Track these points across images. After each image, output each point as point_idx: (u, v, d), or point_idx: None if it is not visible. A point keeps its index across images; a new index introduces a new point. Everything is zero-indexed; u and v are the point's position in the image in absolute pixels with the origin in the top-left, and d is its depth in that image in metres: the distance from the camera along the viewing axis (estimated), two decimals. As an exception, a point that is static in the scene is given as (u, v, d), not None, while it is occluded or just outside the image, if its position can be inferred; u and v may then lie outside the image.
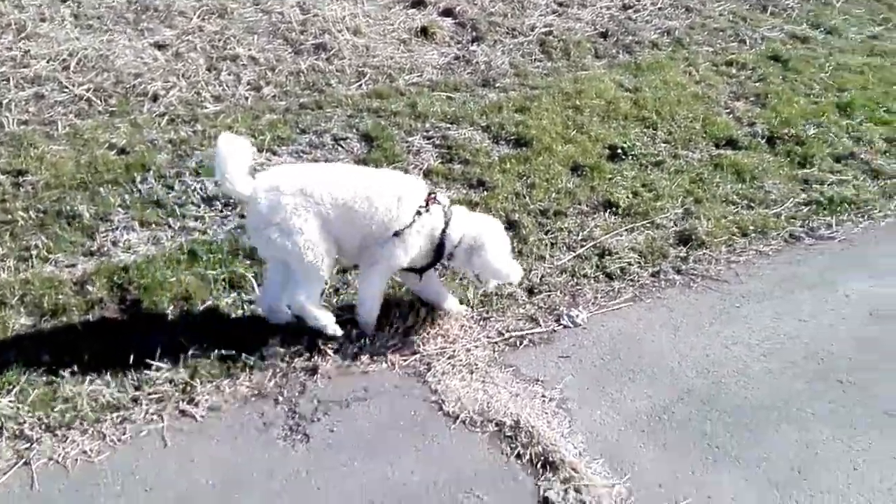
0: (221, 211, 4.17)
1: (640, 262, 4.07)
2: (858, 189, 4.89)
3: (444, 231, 3.14)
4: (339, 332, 3.16)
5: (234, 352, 3.09)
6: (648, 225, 4.42)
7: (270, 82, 5.55)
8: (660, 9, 7.61)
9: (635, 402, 2.95)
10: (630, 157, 5.14)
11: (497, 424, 2.79)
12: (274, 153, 4.72)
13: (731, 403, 2.95)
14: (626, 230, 4.35)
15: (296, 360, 3.15)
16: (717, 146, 5.44)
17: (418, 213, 3.06)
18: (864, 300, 3.66)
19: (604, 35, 7.05)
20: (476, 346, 3.29)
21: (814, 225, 4.51)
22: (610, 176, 4.89)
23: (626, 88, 6.10)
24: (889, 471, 2.63)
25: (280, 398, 2.95)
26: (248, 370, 3.06)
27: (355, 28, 6.39)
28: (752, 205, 4.67)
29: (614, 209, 4.56)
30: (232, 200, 4.20)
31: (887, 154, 5.39)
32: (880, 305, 3.60)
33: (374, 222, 3.02)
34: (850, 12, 8.14)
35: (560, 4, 7.44)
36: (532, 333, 3.42)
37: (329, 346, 3.20)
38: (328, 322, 3.14)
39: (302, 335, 3.23)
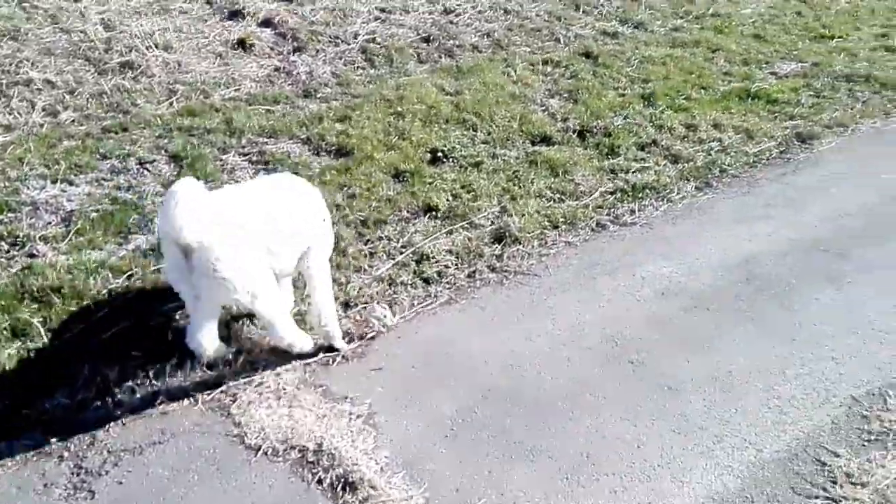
0: (9, 251, 3.79)
1: (457, 264, 4.08)
2: (659, 174, 5.15)
3: None
4: (308, 347, 3.20)
5: (11, 406, 2.79)
6: (467, 226, 4.45)
7: (69, 106, 5.13)
8: (480, 12, 7.74)
9: (441, 408, 2.93)
10: (450, 160, 5.16)
11: (300, 451, 2.68)
12: (70, 183, 4.35)
13: (530, 397, 2.99)
14: (446, 233, 4.35)
15: (84, 412, 2.89)
16: (532, 143, 5.57)
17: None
18: (656, 280, 3.85)
19: (426, 40, 7.08)
20: (287, 370, 3.16)
21: (618, 212, 4.70)
22: (430, 180, 4.88)
23: (448, 92, 6.14)
24: (668, 445, 2.77)
25: (65, 454, 2.69)
26: (30, 426, 2.78)
27: (165, 43, 6.04)
28: (564, 198, 4.81)
29: (434, 213, 4.55)
30: (20, 240, 3.83)
31: (685, 139, 5.73)
32: (670, 284, 3.81)
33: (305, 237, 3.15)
34: (655, 6, 8.64)
35: (382, 11, 7.40)
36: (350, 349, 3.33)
37: (121, 390, 2.97)
38: (308, 344, 3.18)
39: (92, 383, 2.97)
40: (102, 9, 6.44)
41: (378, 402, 2.97)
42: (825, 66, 7.36)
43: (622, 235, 4.43)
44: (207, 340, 2.94)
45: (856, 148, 5.65)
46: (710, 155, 5.48)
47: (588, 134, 5.69)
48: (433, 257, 4.08)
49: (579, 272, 3.99)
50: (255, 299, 2.85)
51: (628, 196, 4.89)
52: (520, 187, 4.90)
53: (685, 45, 7.68)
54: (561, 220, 4.55)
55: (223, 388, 3.03)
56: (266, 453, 2.68)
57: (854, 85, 6.93)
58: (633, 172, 5.17)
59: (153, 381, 3.05)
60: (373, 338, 3.45)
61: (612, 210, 4.72)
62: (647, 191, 4.94)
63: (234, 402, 2.96)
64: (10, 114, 4.93)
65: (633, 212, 4.72)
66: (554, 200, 4.77)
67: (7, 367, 3.03)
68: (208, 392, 3.02)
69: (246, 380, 3.09)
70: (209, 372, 3.10)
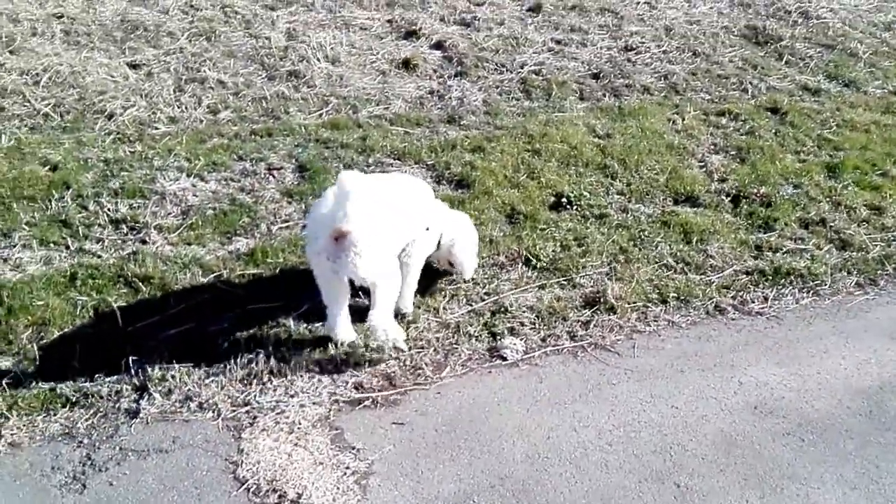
0: (126, 234, 4.11)
1: (534, 324, 3.75)
2: (815, 260, 4.39)
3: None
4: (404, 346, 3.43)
5: (55, 384, 2.99)
6: (564, 283, 4.09)
7: (230, 107, 5.50)
8: (664, 52, 7.21)
9: (441, 485, 2.66)
10: (574, 208, 4.81)
11: (279, 496, 2.57)
12: (202, 178, 4.65)
13: (541, 499, 2.62)
14: (538, 286, 4.04)
15: (121, 399, 3.02)
16: (675, 202, 5.03)
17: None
18: (755, 389, 3.23)
19: (596, 76, 6.71)
20: (314, 403, 3.07)
21: (747, 297, 4.06)
22: (544, 226, 4.57)
23: (598, 134, 5.76)
24: None
25: (86, 440, 2.82)
26: (69, 406, 2.95)
27: (334, 56, 6.30)
28: (688, 269, 4.26)
29: (534, 263, 4.25)
30: (138, 225, 4.15)
31: (865, 223, 4.85)
32: (770, 398, 3.17)
33: (416, 226, 3.43)
34: (878, 64, 7.50)
35: (558, 42, 7.15)
36: (379, 394, 3.18)
37: (159, 387, 3.06)
38: (398, 337, 3.39)
39: (136, 376, 3.10)
40: (292, 18, 6.88)
41: (382, 461, 2.77)
42: None
43: (740, 326, 3.81)
44: (342, 327, 3.30)
45: None
46: (889, 247, 4.58)
47: (744, 200, 5.02)
48: (510, 311, 3.79)
49: (669, 360, 3.48)
50: (377, 282, 3.18)
51: (766, 280, 4.22)
52: (640, 249, 4.43)
53: (901, 111, 6.55)
54: (673, 294, 4.02)
55: (248, 407, 3.01)
56: (248, 490, 2.60)
57: None
58: (784, 253, 4.47)
59: (192, 386, 3.10)
60: (419, 384, 3.26)
61: (741, 293, 4.09)
62: (792, 277, 4.23)
63: (251, 424, 2.92)
64: (179, 107, 5.39)
65: (765, 299, 4.06)
66: (674, 271, 4.24)
67: (72, 345, 3.24)
68: (233, 408, 3.01)
69: (274, 402, 3.05)
70: (240, 388, 3.10)
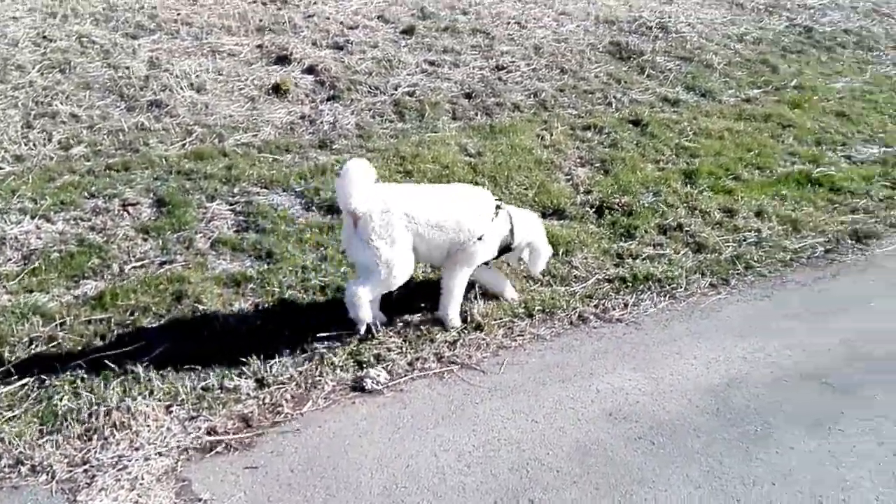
0: (-40, 285, 3.77)
1: (401, 348, 3.69)
2: (672, 264, 4.55)
3: (511, 232, 3.76)
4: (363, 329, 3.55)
5: None
6: (430, 305, 4.05)
7: (83, 141, 5.20)
8: (534, 70, 7.38)
9: (291, 532, 2.55)
10: (445, 227, 4.79)
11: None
12: (48, 220, 4.34)
13: (396, 533, 2.55)
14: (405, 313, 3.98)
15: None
16: (543, 215, 5.09)
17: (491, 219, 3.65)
18: (611, 397, 3.29)
19: (468, 96, 6.78)
20: (160, 454, 2.88)
21: (609, 305, 4.15)
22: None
23: (469, 153, 5.80)
24: None
25: None
26: None
27: (199, 85, 6.08)
28: (553, 282, 4.32)
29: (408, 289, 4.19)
30: None
31: (718, 226, 5.08)
32: (624, 404, 3.23)
33: (462, 234, 3.55)
34: (731, 74, 7.95)
35: (431, 64, 7.19)
36: (233, 438, 3.02)
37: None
38: (367, 319, 3.45)
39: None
40: (155, 46, 6.61)
41: (230, 510, 2.62)
42: (915, 153, 6.42)
43: (601, 333, 3.88)
44: (363, 308, 3.38)
45: (921, 255, 4.78)
46: (740, 247, 4.80)
47: (607, 210, 5.15)
48: (379, 337, 3.71)
49: (532, 374, 3.49)
50: (390, 271, 3.35)
51: (627, 287, 4.33)
52: (507, 264, 4.45)
53: (753, 118, 6.95)
54: (538, 307, 4.06)
55: (86, 466, 2.79)
56: (79, 556, 2.40)
57: (944, 178, 5.97)
58: (643, 259, 4.59)
59: (23, 448, 2.84)
60: (277, 423, 3.12)
61: (603, 301, 4.18)
62: (651, 283, 4.36)
63: (88, 485, 2.70)
64: (26, 144, 5.04)
65: (625, 305, 4.16)
66: (540, 283, 4.28)
67: None
68: (70, 469, 2.78)
69: (116, 457, 2.84)
70: (79, 445, 2.87)
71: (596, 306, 4.13)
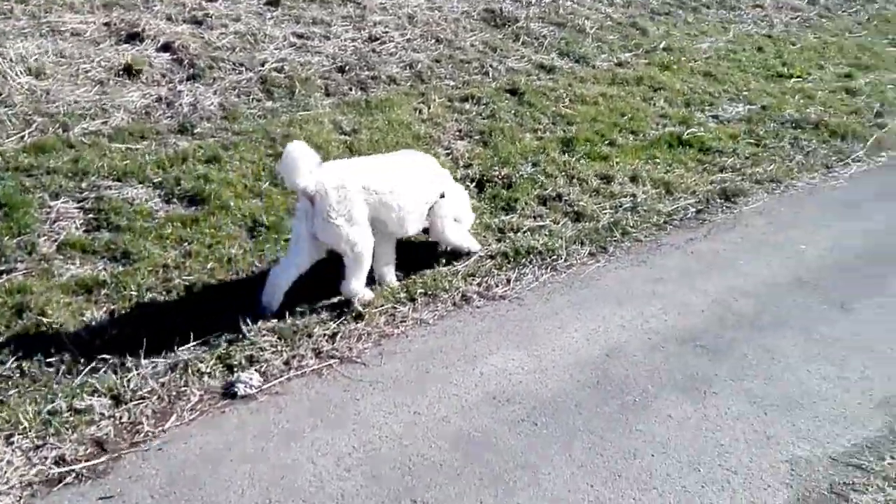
0: None
1: (276, 347, 3.47)
2: (552, 236, 4.53)
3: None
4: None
5: None
6: (311, 295, 3.84)
7: None
8: (408, 41, 7.16)
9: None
10: (321, 211, 4.56)
11: None
12: None
13: (270, 553, 2.38)
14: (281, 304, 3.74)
15: None
16: (423, 192, 4.97)
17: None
18: (494, 378, 3.23)
19: (341, 70, 6.49)
20: (3, 493, 2.55)
21: (492, 282, 4.08)
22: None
23: (344, 130, 5.56)
24: None
25: None
26: None
27: (38, 69, 5.48)
28: (435, 263, 4.20)
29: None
30: None
31: (596, 193, 5.11)
32: (508, 385, 3.17)
33: (422, 199, 3.79)
34: (603, 38, 8.04)
35: (300, 37, 6.82)
36: (86, 465, 2.73)
37: None
38: (370, 296, 3.68)
39: None
40: (-16, 28, 5.89)
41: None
42: (774, 109, 6.74)
43: (484, 313, 3.81)
44: (279, 289, 3.53)
45: (782, 209, 5.01)
46: (617, 213, 4.85)
47: (488, 184, 5.08)
48: (251, 337, 3.47)
49: (415, 362, 3.37)
50: (352, 248, 3.48)
51: (509, 262, 4.27)
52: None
53: (625, 82, 7.07)
54: (420, 291, 3.93)
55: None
56: None
57: (801, 133, 6.31)
58: (524, 232, 4.56)
59: None
60: (137, 444, 2.85)
61: (486, 279, 4.10)
62: (532, 256, 4.32)
63: None
64: None
65: (508, 281, 4.10)
66: (421, 266, 4.15)
67: None
68: None
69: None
70: None
71: (479, 284, 4.06)
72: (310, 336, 3.53)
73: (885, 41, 9.52)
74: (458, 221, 4.11)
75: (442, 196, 3.88)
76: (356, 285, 3.60)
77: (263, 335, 3.49)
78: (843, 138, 6.23)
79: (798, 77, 7.71)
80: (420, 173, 3.82)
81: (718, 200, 5.14)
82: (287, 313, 3.62)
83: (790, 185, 5.39)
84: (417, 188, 3.74)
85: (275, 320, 3.59)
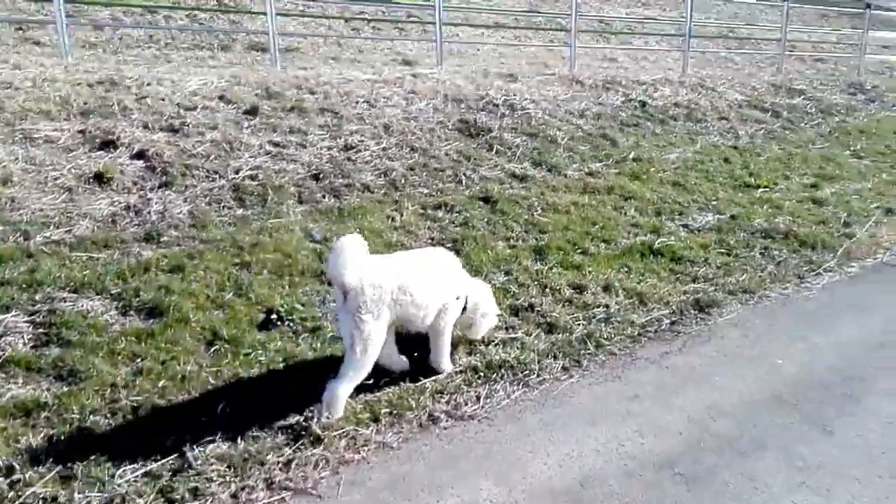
0: None
1: (225, 477, 3.21)
2: (524, 348, 4.38)
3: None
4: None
5: None
6: (266, 420, 3.61)
7: None
8: (384, 149, 7.25)
9: None
10: (286, 323, 4.40)
11: None
12: None
13: None
14: (228, 435, 3.50)
15: None
16: (393, 303, 4.83)
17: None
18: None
19: (316, 177, 6.51)
20: None
21: (461, 399, 3.89)
22: (248, 350, 4.10)
23: (315, 239, 5.47)
24: None
25: None
26: None
27: (5, 176, 5.41)
28: (405, 381, 4.01)
29: (235, 399, 3.73)
30: None
31: (569, 303, 5.00)
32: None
33: (444, 298, 3.84)
34: (574, 149, 8.20)
35: (276, 145, 6.88)
36: None
37: None
38: (339, 410, 3.57)
39: None
40: (-45, 136, 5.86)
41: None
42: (744, 219, 6.81)
43: (452, 435, 3.59)
44: (339, 407, 3.54)
45: (757, 321, 4.92)
46: (590, 324, 4.73)
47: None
48: (198, 466, 3.21)
49: (374, 494, 3.13)
50: (365, 346, 3.50)
51: (479, 377, 4.09)
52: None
53: (597, 191, 7.15)
54: (385, 411, 3.72)
55: None
56: None
57: (771, 242, 6.33)
58: (496, 345, 4.40)
59: None
60: None
61: (454, 396, 3.91)
62: (503, 370, 4.16)
63: None
64: None
65: (478, 399, 3.91)
66: (386, 384, 3.95)
67: None
68: None
69: None
70: None
71: (447, 402, 3.86)
72: (262, 464, 3.28)
73: (847, 152, 9.84)
74: (484, 317, 4.23)
75: (458, 298, 3.95)
76: (343, 384, 3.52)
77: (211, 464, 3.24)
78: (814, 248, 6.25)
79: (765, 187, 7.87)
80: (446, 272, 3.94)
81: (692, 311, 5.05)
82: (239, 437, 3.38)
83: (763, 296, 5.33)
84: (442, 287, 3.84)
85: (225, 445, 3.35)
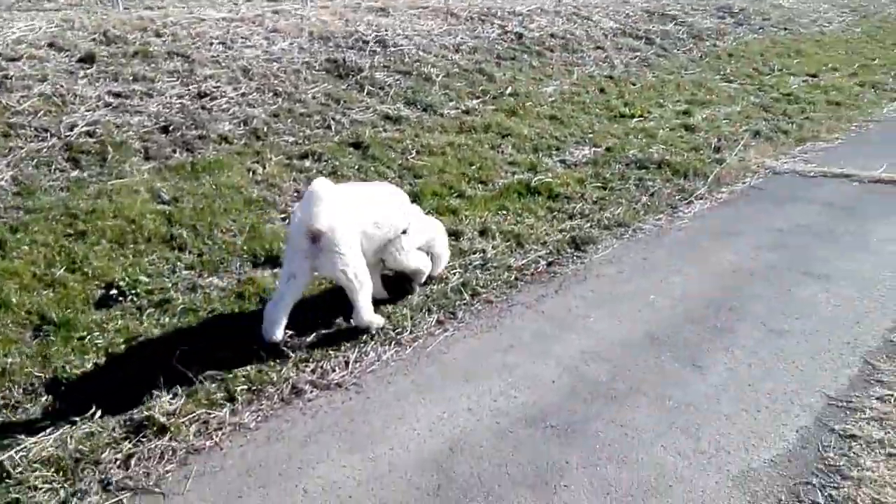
0: None
1: (54, 481, 2.81)
2: (397, 304, 4.13)
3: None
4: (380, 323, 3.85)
5: None
6: (108, 408, 3.21)
7: None
8: (243, 95, 6.65)
9: None
10: (128, 299, 3.94)
11: None
12: None
13: None
14: (67, 424, 3.08)
15: None
16: (254, 265, 4.45)
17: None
18: (320, 498, 2.74)
19: (165, 130, 5.88)
20: None
21: (329, 366, 3.61)
22: (83, 333, 3.63)
23: (163, 200, 4.94)
24: None
25: None
26: None
27: None
28: (263, 350, 3.67)
29: (64, 389, 3.29)
30: None
31: (445, 251, 4.75)
32: (334, 509, 2.70)
33: (393, 229, 3.89)
34: (450, 86, 7.88)
35: (117, 96, 6.15)
36: None
37: None
38: (381, 322, 3.83)
39: None
40: None
41: None
42: (619, 150, 6.76)
43: (316, 407, 3.32)
44: (278, 322, 3.55)
45: (631, 255, 4.88)
46: (466, 272, 4.53)
47: (327, 250, 4.60)
48: (19, 473, 2.79)
49: (226, 485, 2.83)
50: (355, 277, 3.59)
51: (349, 340, 3.82)
52: (206, 338, 3.72)
53: (473, 130, 6.89)
54: (243, 388, 3.39)
55: None
56: None
57: (646, 173, 6.32)
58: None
59: None
60: None
61: (321, 364, 3.62)
62: (375, 330, 3.88)
63: None
64: None
65: (346, 364, 3.64)
66: (245, 357, 3.61)
67: None
68: None
69: None
70: None
71: (313, 371, 3.57)
72: (97, 464, 2.90)
73: (718, 77, 10.03)
74: (438, 257, 4.31)
75: (404, 232, 3.96)
76: (368, 314, 3.72)
77: (35, 470, 2.82)
78: (686, 176, 6.29)
79: (640, 116, 7.87)
80: (397, 205, 3.98)
81: (569, 250, 4.95)
82: (69, 436, 2.97)
83: (638, 229, 5.30)
84: (396, 220, 3.93)
85: (53, 446, 2.93)
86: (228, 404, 3.29)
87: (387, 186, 4.22)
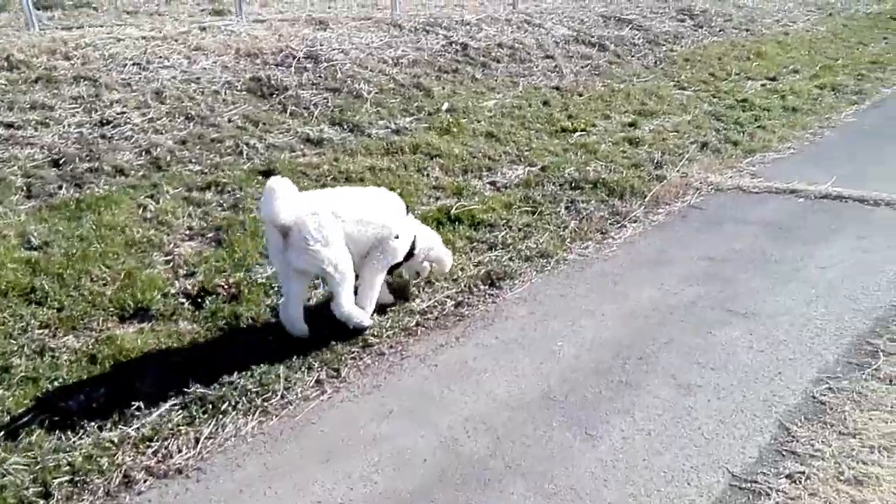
0: None
1: None
2: (272, 364, 3.63)
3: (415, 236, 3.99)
4: (366, 323, 3.78)
5: None
6: None
7: None
8: (150, 120, 6.14)
9: None
10: (-38, 367, 3.41)
11: None
12: None
13: None
14: None
15: None
16: (121, 320, 3.95)
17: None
18: None
19: (56, 163, 5.36)
20: None
21: (173, 447, 3.11)
22: None
23: (32, 245, 4.43)
24: None
25: None
26: None
27: None
28: (106, 423, 3.16)
29: None
30: None
31: (343, 293, 4.26)
32: None
33: (383, 229, 3.77)
34: (383, 103, 7.38)
35: (9, 126, 5.65)
36: None
37: None
38: (365, 318, 3.76)
39: None
40: None
41: None
42: (554, 169, 6.29)
43: (144, 502, 2.80)
44: (296, 319, 3.65)
45: (548, 292, 4.40)
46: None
47: (207, 297, 4.12)
48: None
49: None
50: (335, 268, 3.53)
51: (204, 410, 3.31)
52: (43, 410, 3.21)
53: (401, 151, 6.40)
54: (63, 479, 2.87)
55: None
56: None
57: (580, 194, 5.85)
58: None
59: None
60: None
61: (167, 443, 3.11)
62: (238, 396, 3.39)
63: None
64: None
65: (196, 441, 3.13)
66: (77, 435, 3.09)
67: None
68: None
69: None
70: None
71: (155, 453, 3.06)
72: None
73: (671, 84, 9.57)
74: (439, 262, 4.24)
75: (396, 237, 3.83)
76: (347, 305, 3.63)
77: None
78: (622, 196, 5.82)
79: (582, 130, 7.40)
80: (386, 210, 3.86)
81: (482, 287, 4.47)
82: None
83: (561, 260, 4.82)
84: (379, 222, 3.79)
85: None
86: (42, 502, 2.77)
87: (379, 190, 4.06)
